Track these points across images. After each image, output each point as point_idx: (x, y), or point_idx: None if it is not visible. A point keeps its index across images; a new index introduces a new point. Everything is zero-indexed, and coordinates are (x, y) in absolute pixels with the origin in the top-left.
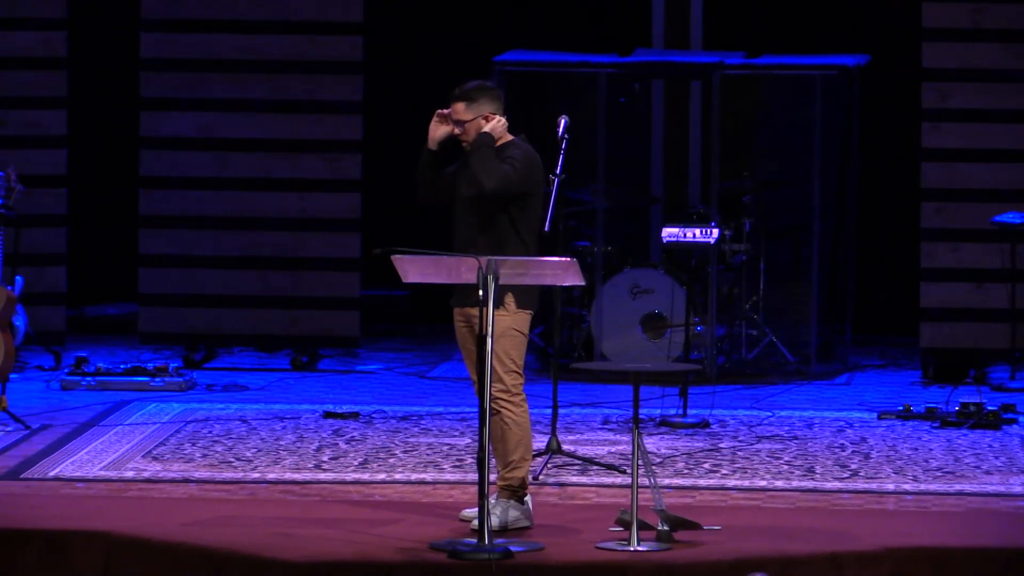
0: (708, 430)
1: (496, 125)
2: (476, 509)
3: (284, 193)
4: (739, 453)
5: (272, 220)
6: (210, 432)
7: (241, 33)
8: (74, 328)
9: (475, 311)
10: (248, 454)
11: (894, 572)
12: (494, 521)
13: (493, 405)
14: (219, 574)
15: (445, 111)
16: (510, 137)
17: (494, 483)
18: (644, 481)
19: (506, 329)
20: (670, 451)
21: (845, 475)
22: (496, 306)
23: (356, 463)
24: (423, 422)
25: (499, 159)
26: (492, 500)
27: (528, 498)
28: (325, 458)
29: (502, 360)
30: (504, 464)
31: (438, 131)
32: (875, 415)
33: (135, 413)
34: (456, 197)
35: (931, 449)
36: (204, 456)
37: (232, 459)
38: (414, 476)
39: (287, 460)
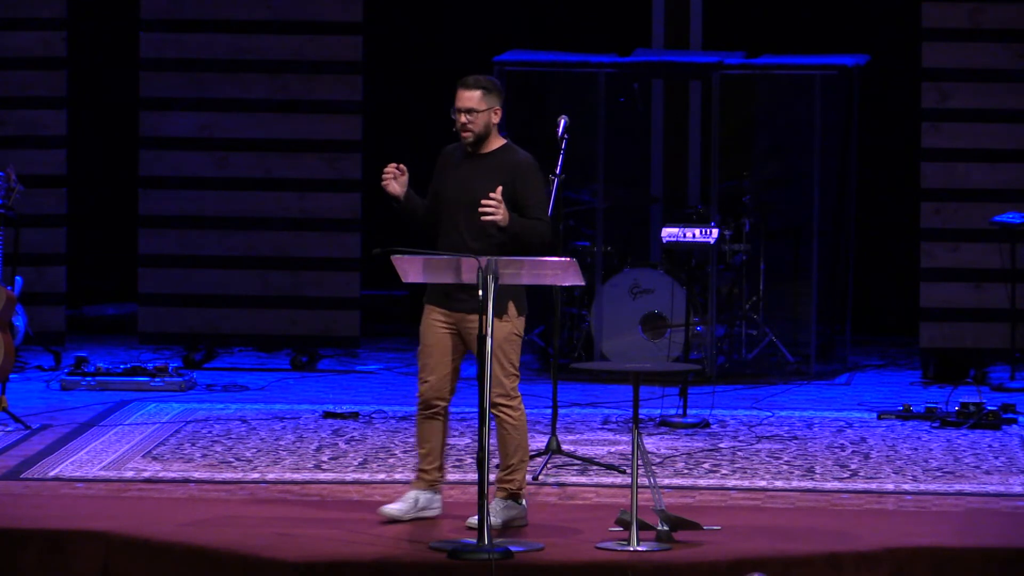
0: (708, 430)
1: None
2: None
3: (284, 193)
4: (739, 453)
5: (272, 220)
6: (210, 432)
7: (241, 33)
8: (74, 328)
9: (471, 316)
10: (248, 454)
11: (894, 572)
12: (493, 521)
13: (494, 411)
14: (219, 574)
15: (388, 173)
16: (503, 141)
17: (493, 483)
18: (644, 481)
19: (508, 335)
20: (670, 451)
21: (845, 475)
22: (501, 312)
23: (356, 463)
24: None
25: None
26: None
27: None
28: (325, 458)
29: (503, 365)
30: (503, 467)
31: (391, 188)
32: (875, 415)
33: (135, 413)
34: (445, 203)
35: (931, 449)
36: (204, 456)
37: (232, 459)
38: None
39: (287, 460)
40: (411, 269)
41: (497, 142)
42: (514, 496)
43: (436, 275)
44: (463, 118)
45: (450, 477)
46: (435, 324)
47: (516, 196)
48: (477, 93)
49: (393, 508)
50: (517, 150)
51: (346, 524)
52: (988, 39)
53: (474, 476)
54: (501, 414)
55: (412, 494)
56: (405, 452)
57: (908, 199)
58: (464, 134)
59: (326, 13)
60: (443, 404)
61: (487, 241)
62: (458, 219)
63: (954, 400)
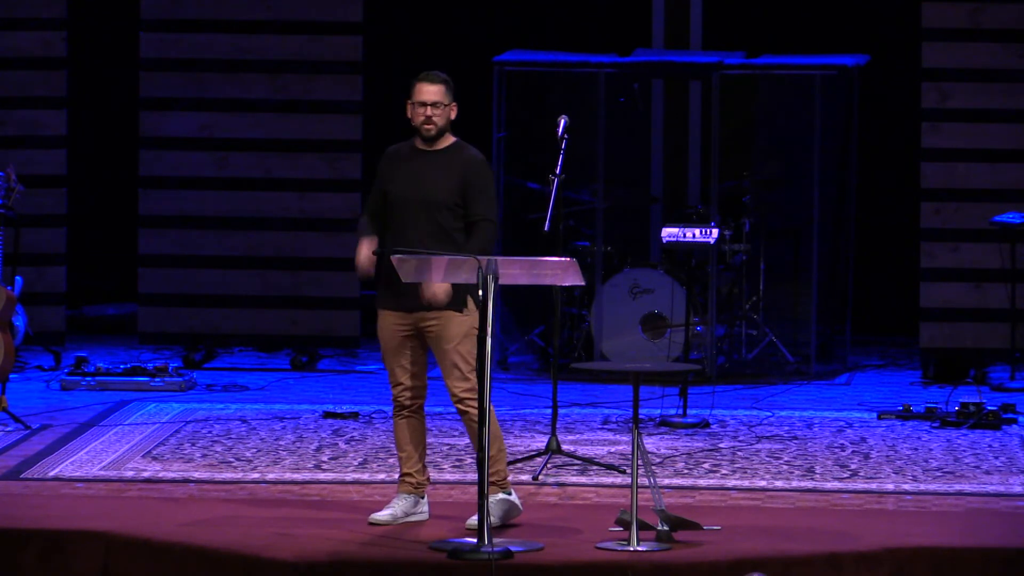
0: (708, 430)
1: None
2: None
3: (284, 193)
4: (739, 453)
5: (272, 220)
6: (210, 432)
7: (241, 33)
8: (74, 328)
9: (430, 315)
10: (248, 454)
11: (894, 572)
12: (493, 519)
13: (461, 406)
14: (219, 574)
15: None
16: (454, 139)
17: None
18: (644, 481)
19: (468, 330)
20: (670, 451)
21: (845, 475)
22: (461, 307)
23: (356, 463)
24: None
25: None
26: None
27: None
28: (325, 458)
29: (467, 360)
30: None
31: (371, 273)
32: (875, 415)
33: (135, 413)
34: (397, 200)
35: (931, 449)
36: (204, 456)
37: (232, 459)
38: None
39: (287, 460)
40: (411, 269)
41: (449, 139)
42: (502, 488)
43: (435, 275)
44: (428, 111)
45: (449, 477)
46: (393, 328)
47: (467, 193)
48: (441, 87)
49: (381, 515)
50: (468, 147)
51: (346, 524)
52: (988, 39)
53: (474, 476)
54: (469, 409)
55: (399, 500)
56: None
57: (908, 199)
58: (428, 127)
59: (326, 13)
60: (419, 403)
61: (442, 238)
62: (414, 217)
63: (954, 400)
